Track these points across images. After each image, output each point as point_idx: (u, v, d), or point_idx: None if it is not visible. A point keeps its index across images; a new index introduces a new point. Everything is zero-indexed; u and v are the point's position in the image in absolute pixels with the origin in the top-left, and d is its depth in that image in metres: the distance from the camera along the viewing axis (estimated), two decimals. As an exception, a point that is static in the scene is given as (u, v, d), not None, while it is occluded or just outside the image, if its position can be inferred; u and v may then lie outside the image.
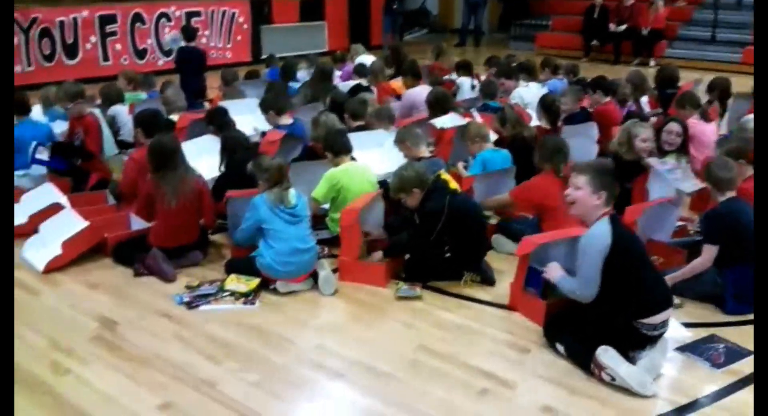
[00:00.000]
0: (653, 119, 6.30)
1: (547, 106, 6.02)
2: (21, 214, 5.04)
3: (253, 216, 4.14)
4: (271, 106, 5.97)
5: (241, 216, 4.28)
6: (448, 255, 4.22)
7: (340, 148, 4.84)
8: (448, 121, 5.99)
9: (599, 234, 3.23)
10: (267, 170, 4.18)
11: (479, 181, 4.92)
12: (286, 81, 7.96)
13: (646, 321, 3.22)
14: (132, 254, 4.47)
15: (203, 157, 5.17)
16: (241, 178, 4.71)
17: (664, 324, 3.27)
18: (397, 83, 7.83)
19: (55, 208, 4.91)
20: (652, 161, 4.92)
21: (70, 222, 4.65)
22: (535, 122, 6.15)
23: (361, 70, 7.93)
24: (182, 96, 6.70)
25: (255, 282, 4.12)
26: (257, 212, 4.12)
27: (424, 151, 5.02)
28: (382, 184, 4.95)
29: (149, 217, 4.58)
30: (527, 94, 7.11)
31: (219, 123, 5.52)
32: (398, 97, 7.41)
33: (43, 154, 5.61)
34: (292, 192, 4.19)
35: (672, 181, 4.69)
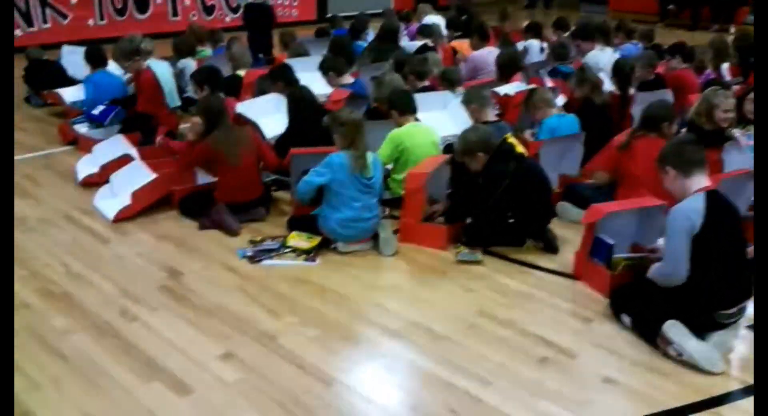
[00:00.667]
0: (735, 88, 6.01)
1: (619, 71, 5.81)
2: (93, 164, 5.20)
3: (327, 174, 4.00)
4: (330, 67, 5.93)
5: (304, 175, 4.23)
6: (511, 221, 4.15)
7: (405, 108, 4.78)
8: (511, 88, 5.86)
9: (687, 212, 3.05)
10: (344, 124, 4.06)
11: (546, 147, 4.80)
12: (354, 39, 7.86)
13: (723, 312, 3.09)
14: (198, 207, 4.54)
15: (269, 114, 5.20)
16: (306, 135, 4.72)
17: (741, 311, 3.13)
18: (463, 44, 7.66)
19: (125, 159, 5.03)
20: (736, 132, 4.70)
21: (138, 174, 4.75)
22: (606, 88, 5.94)
23: (427, 31, 7.75)
24: (248, 53, 6.73)
25: (316, 239, 4.14)
26: (332, 171, 3.98)
27: (491, 115, 4.92)
28: (447, 147, 4.89)
29: (189, 177, 4.60)
30: (602, 57, 6.82)
31: (285, 79, 5.50)
32: (464, 58, 7.27)
33: (97, 110, 5.78)
34: (370, 158, 4.08)
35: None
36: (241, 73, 6.17)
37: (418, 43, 7.46)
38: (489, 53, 6.76)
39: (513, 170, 4.04)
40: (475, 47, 7.22)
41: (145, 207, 4.63)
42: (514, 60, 6.20)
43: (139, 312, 3.45)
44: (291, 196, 4.73)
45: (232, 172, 4.48)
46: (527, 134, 5.21)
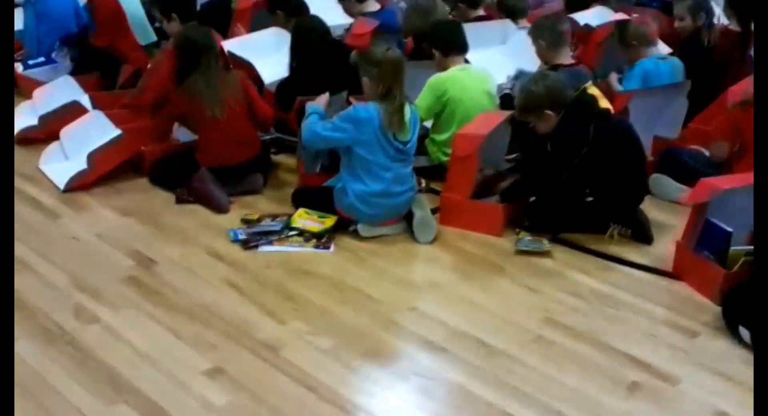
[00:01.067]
0: None
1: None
2: (33, 115, 5.18)
3: (349, 131, 3.96)
4: None
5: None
6: (589, 199, 4.14)
7: (450, 46, 4.74)
8: (594, 16, 5.76)
9: None
10: (379, 65, 3.97)
11: (639, 100, 4.75)
12: None
13: None
14: (175, 175, 4.56)
15: (268, 54, 5.18)
16: (317, 80, 4.69)
17: None
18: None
19: (74, 109, 5.01)
20: None
21: (98, 130, 4.76)
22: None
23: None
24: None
25: (331, 220, 4.14)
26: (358, 128, 3.95)
27: (566, 56, 4.87)
28: (504, 99, 4.81)
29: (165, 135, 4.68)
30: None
31: (288, 6, 5.47)
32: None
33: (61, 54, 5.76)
34: (408, 113, 4.03)
35: None
36: (233, -3, 6.14)
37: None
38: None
39: (594, 132, 4.00)
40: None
41: (106, 173, 4.64)
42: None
43: (99, 312, 3.45)
44: (298, 160, 4.72)
45: (216, 127, 4.50)
46: (612, 79, 5.14)
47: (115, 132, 4.71)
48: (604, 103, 4.19)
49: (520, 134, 4.54)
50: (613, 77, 5.20)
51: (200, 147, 4.59)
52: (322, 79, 4.74)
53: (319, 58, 4.94)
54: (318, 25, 5.16)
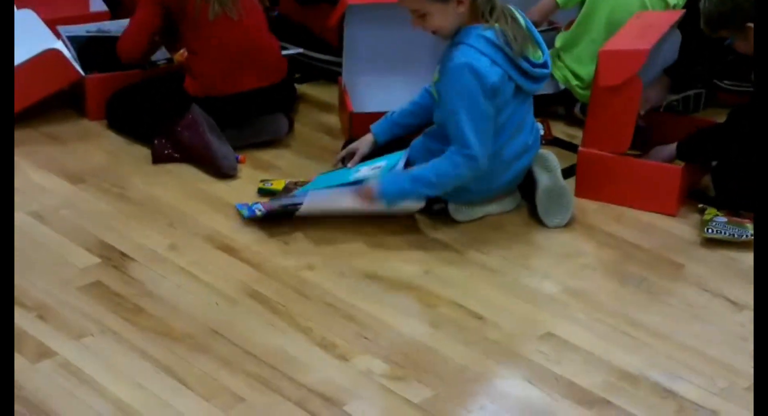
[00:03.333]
0: None
1: None
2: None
3: (476, 103, 3.86)
4: None
5: (367, 54, 4.62)
6: None
7: None
8: None
9: None
10: None
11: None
12: None
13: None
14: (151, 116, 4.59)
15: None
16: None
17: None
18: None
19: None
20: None
21: (24, 36, 4.68)
22: None
23: None
24: None
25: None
26: (479, 94, 3.85)
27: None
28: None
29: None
30: None
31: None
32: None
33: None
34: (520, 18, 4.02)
35: None
36: None
37: None
38: None
39: None
40: None
41: (33, 103, 4.69)
42: None
43: (50, 341, 3.42)
44: (340, 91, 4.80)
45: (219, 34, 4.55)
46: None
47: (48, 42, 4.78)
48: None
49: (700, 52, 4.60)
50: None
51: (192, 67, 4.61)
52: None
53: None
54: None
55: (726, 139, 4.29)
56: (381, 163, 4.12)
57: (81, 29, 5.26)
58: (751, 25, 4.08)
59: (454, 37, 3.91)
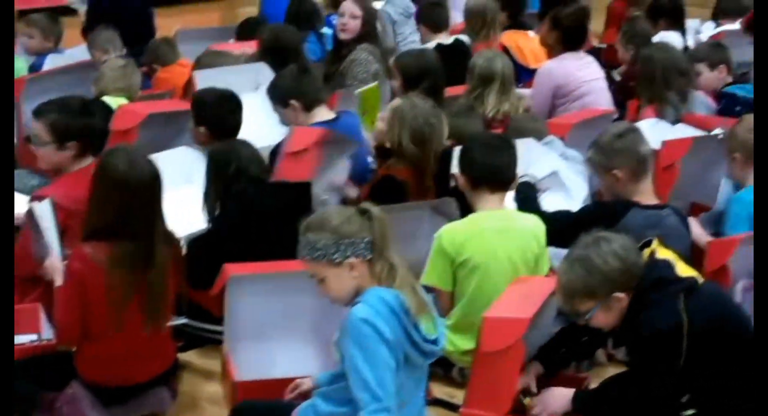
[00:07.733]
0: None
1: None
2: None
3: (376, 354, 3.77)
4: (294, 90, 6.06)
5: (249, 322, 4.51)
6: (689, 413, 4.16)
7: (480, 174, 4.84)
8: (651, 126, 6.05)
9: None
10: (372, 219, 3.92)
11: (745, 249, 4.81)
12: (308, 27, 8.28)
13: None
14: (34, 387, 4.46)
15: (177, 188, 5.25)
16: (246, 234, 4.93)
17: None
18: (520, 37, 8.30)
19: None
20: None
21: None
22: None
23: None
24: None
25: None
26: (379, 344, 3.77)
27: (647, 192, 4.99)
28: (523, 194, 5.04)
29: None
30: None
31: (214, 121, 5.62)
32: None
33: None
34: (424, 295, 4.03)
35: None
36: (111, 100, 6.24)
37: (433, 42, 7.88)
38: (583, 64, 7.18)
39: (687, 314, 4.04)
40: (553, 48, 7.51)
41: None
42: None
43: None
44: (222, 360, 4.77)
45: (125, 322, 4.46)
46: (695, 227, 5.29)
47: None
48: (685, 269, 4.24)
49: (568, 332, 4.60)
50: (694, 223, 5.29)
51: (86, 353, 4.48)
52: (251, 234, 4.93)
53: (247, 203, 5.05)
54: (245, 151, 5.26)
55: (617, 400, 4.23)
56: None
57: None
58: (620, 294, 4.08)
59: (354, 299, 3.89)
